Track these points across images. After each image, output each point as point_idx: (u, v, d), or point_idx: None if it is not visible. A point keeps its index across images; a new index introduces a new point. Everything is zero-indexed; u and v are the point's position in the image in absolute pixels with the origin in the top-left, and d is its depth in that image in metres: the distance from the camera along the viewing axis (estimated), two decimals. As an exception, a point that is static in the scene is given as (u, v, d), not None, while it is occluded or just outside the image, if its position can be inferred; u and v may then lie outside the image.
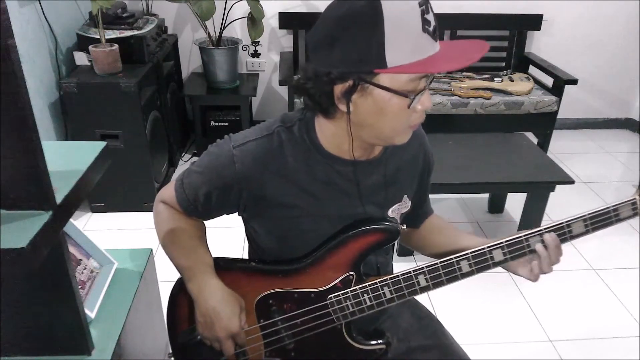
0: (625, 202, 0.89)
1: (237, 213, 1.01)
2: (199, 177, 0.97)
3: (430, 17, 0.76)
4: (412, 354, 1.08)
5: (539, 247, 0.90)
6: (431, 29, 0.76)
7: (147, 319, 1.30)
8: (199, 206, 0.99)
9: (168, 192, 1.03)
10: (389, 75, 0.77)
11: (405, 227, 1.02)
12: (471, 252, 0.92)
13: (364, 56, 0.76)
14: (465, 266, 0.92)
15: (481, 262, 0.92)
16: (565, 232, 0.91)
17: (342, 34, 0.76)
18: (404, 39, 0.74)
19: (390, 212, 1.01)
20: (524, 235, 0.91)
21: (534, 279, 0.94)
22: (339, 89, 0.80)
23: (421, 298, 1.20)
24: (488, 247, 0.91)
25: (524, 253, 0.91)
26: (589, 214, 0.90)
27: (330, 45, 0.78)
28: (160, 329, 1.13)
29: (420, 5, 0.74)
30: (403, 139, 0.87)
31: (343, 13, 0.76)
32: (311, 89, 0.83)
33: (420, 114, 0.84)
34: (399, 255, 2.33)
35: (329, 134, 0.90)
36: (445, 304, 2.06)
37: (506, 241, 0.91)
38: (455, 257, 0.92)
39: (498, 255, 0.91)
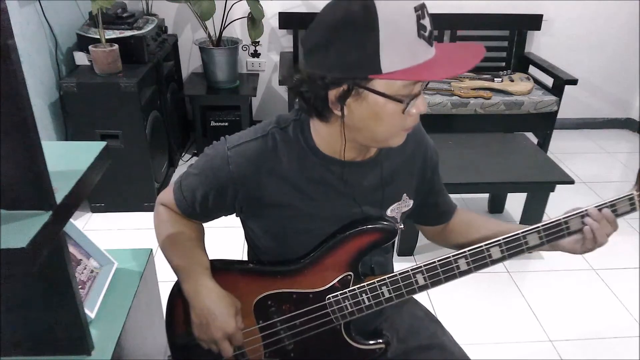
0: (622, 197, 0.90)
1: (234, 214, 1.01)
2: (195, 179, 0.97)
3: (426, 22, 0.75)
4: (411, 354, 1.08)
5: (586, 228, 0.90)
6: (427, 34, 0.76)
7: (147, 319, 1.30)
8: (197, 208, 0.99)
9: (167, 194, 1.04)
10: (384, 80, 0.76)
11: (403, 227, 1.02)
12: (469, 250, 0.92)
13: (359, 61, 0.75)
14: (463, 264, 0.92)
15: (479, 260, 0.92)
16: (563, 229, 0.91)
17: (337, 39, 0.76)
18: (399, 45, 0.74)
19: (389, 212, 1.01)
20: (522, 233, 0.91)
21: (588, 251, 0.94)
22: (333, 93, 0.80)
23: (421, 298, 1.20)
24: (486, 245, 0.91)
25: (522, 250, 0.92)
26: (585, 210, 0.90)
27: (326, 50, 0.77)
28: (160, 329, 1.13)
29: (416, 10, 0.74)
30: (398, 142, 0.87)
31: (339, 17, 0.75)
32: (306, 93, 0.83)
33: (415, 118, 0.83)
34: (399, 255, 2.33)
35: (324, 135, 0.90)
36: (445, 304, 2.06)
37: (504, 239, 0.91)
38: (453, 256, 0.92)
39: (496, 252, 0.92)
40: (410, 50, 0.75)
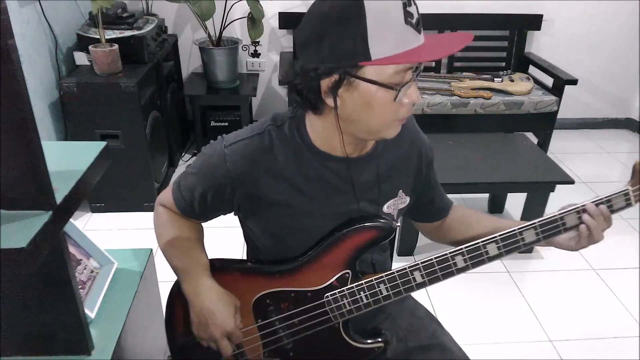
0: (617, 193, 0.91)
1: (232, 213, 1.01)
2: (193, 178, 0.97)
3: (412, 9, 0.77)
4: (411, 354, 1.08)
5: (582, 226, 0.91)
6: (414, 21, 0.77)
7: (147, 319, 1.30)
8: (196, 207, 0.99)
9: (166, 195, 1.04)
10: (375, 68, 0.77)
11: (399, 224, 1.02)
12: (465, 247, 0.92)
13: (349, 50, 0.76)
14: (460, 261, 0.92)
15: (476, 257, 0.92)
16: (559, 225, 0.91)
17: (327, 31, 0.77)
18: (387, 32, 0.75)
19: (385, 208, 1.01)
20: (518, 229, 0.91)
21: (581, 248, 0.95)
22: (325, 83, 0.81)
23: (421, 298, 1.20)
24: (482, 241, 0.92)
25: (518, 247, 0.92)
26: (581, 206, 0.91)
27: (318, 43, 0.78)
28: (160, 329, 1.13)
29: None
30: (392, 133, 0.87)
31: (327, 10, 0.77)
32: (299, 85, 0.84)
33: (408, 108, 0.84)
34: (399, 255, 2.33)
35: (319, 130, 0.90)
36: (445, 304, 2.06)
37: (500, 235, 0.91)
38: (450, 253, 0.92)
39: (492, 249, 0.92)
40: (398, 37, 0.76)
